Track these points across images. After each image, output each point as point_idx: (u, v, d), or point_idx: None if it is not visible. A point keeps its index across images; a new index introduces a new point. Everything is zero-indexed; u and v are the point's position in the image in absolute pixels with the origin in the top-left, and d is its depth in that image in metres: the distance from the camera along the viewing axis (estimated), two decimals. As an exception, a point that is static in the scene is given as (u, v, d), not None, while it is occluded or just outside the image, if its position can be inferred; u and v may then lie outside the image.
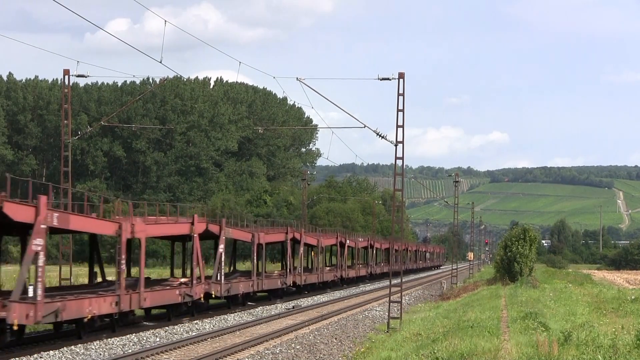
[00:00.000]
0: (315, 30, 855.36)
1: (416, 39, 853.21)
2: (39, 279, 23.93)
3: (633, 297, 44.68)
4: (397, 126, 33.76)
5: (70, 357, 23.76)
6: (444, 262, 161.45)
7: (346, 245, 65.35)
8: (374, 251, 79.45)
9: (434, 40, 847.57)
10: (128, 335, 28.63)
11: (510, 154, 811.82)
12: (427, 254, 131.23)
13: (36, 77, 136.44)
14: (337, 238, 62.90)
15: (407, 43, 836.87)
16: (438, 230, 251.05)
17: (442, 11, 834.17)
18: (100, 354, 24.44)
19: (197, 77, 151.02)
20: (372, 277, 77.48)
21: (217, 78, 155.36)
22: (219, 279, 38.52)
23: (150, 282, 34.94)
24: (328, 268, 62.15)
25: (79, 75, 41.81)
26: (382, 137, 35.18)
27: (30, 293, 23.88)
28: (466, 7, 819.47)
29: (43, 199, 24.36)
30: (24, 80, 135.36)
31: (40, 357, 23.30)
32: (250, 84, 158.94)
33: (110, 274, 36.01)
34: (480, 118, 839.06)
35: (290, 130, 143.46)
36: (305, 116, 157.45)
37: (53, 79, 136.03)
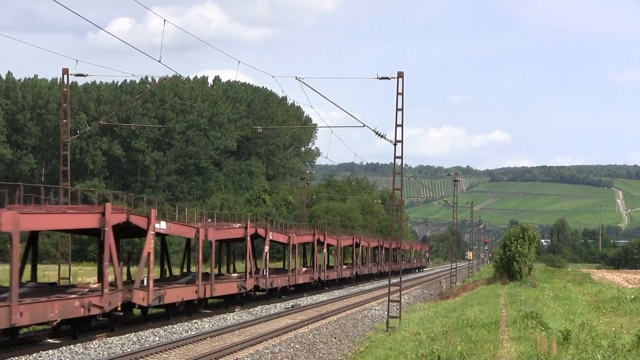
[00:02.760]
0: (317, 30, 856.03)
1: (419, 39, 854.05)
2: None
3: (632, 296, 44.70)
4: (396, 125, 33.71)
5: (70, 356, 23.73)
6: (428, 263, 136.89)
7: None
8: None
9: (436, 40, 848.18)
10: (127, 335, 28.61)
11: (512, 154, 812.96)
12: (402, 253, 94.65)
13: (35, 76, 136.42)
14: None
15: (409, 42, 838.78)
16: (437, 230, 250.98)
17: (444, 11, 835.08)
18: (100, 353, 24.40)
19: (196, 76, 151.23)
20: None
21: (215, 77, 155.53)
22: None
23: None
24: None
25: (78, 75, 41.65)
26: (381, 137, 35.13)
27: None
28: (468, 7, 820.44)
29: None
30: (23, 80, 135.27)
31: (40, 357, 23.28)
32: (253, 83, 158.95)
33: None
34: (482, 117, 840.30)
35: (290, 130, 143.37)
36: (305, 115, 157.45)
37: (52, 78, 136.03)
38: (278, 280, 46.79)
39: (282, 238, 49.14)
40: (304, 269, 57.09)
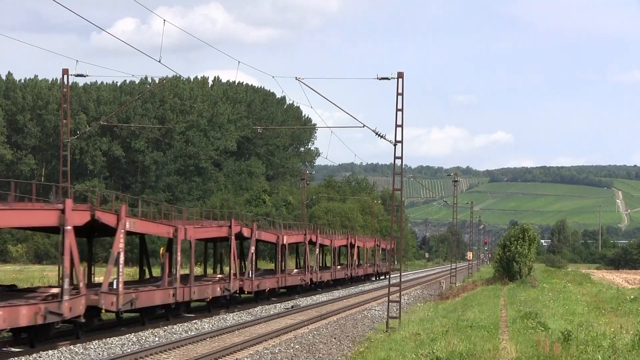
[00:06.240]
0: (321, 30, 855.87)
1: (422, 39, 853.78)
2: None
3: (632, 296, 44.74)
4: (396, 126, 33.71)
5: (70, 356, 23.73)
6: (393, 267, 78.03)
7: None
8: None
9: (439, 40, 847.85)
10: (127, 335, 28.59)
11: (513, 154, 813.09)
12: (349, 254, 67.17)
13: (35, 76, 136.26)
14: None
15: (413, 42, 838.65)
16: (437, 230, 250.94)
17: (447, 11, 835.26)
18: (100, 354, 24.41)
19: (196, 77, 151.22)
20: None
21: (214, 77, 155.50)
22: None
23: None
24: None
25: (77, 75, 41.58)
26: (381, 137, 35.13)
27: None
28: (472, 7, 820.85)
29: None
30: (23, 80, 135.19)
31: (40, 357, 23.28)
32: (254, 84, 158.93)
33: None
34: (485, 118, 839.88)
35: (289, 130, 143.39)
36: (304, 116, 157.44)
37: (53, 79, 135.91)
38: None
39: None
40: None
